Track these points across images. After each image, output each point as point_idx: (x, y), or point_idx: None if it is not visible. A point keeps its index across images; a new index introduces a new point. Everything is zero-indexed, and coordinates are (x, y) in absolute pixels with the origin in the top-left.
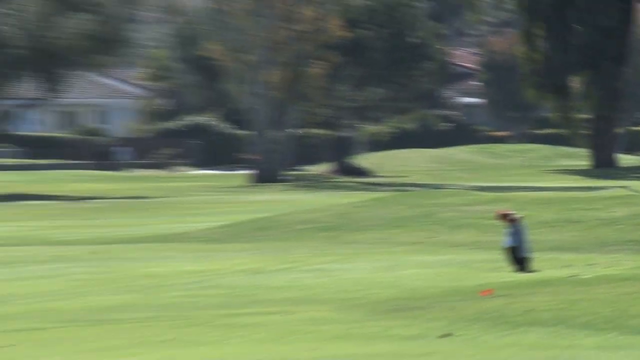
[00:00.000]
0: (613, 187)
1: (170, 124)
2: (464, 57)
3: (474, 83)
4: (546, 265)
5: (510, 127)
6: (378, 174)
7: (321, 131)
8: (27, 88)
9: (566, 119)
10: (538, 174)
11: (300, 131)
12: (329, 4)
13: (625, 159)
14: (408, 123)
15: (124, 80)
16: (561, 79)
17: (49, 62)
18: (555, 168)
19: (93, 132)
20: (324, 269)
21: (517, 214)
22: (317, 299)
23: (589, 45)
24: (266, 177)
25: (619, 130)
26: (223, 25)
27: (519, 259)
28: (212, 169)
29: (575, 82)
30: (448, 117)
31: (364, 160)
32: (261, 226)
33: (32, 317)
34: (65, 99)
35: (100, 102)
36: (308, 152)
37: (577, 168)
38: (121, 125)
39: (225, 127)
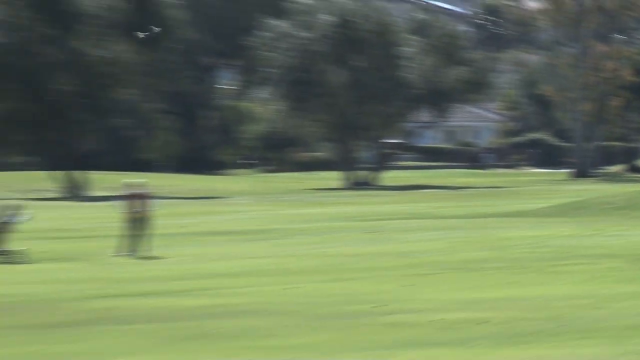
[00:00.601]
0: None
1: (518, 139)
2: None
3: None
4: None
5: None
6: None
7: (617, 143)
8: (424, 115)
9: None
10: None
11: (604, 143)
12: (623, 59)
13: None
14: None
15: (488, 110)
16: None
17: (439, 98)
18: None
19: (467, 144)
20: (619, 235)
21: None
22: (613, 254)
23: None
24: (581, 174)
25: None
26: (553, 73)
27: None
28: (545, 169)
29: None
30: None
31: None
32: (577, 206)
33: (426, 266)
34: (449, 122)
35: (472, 124)
36: (609, 157)
37: None
38: (486, 140)
39: (554, 141)
